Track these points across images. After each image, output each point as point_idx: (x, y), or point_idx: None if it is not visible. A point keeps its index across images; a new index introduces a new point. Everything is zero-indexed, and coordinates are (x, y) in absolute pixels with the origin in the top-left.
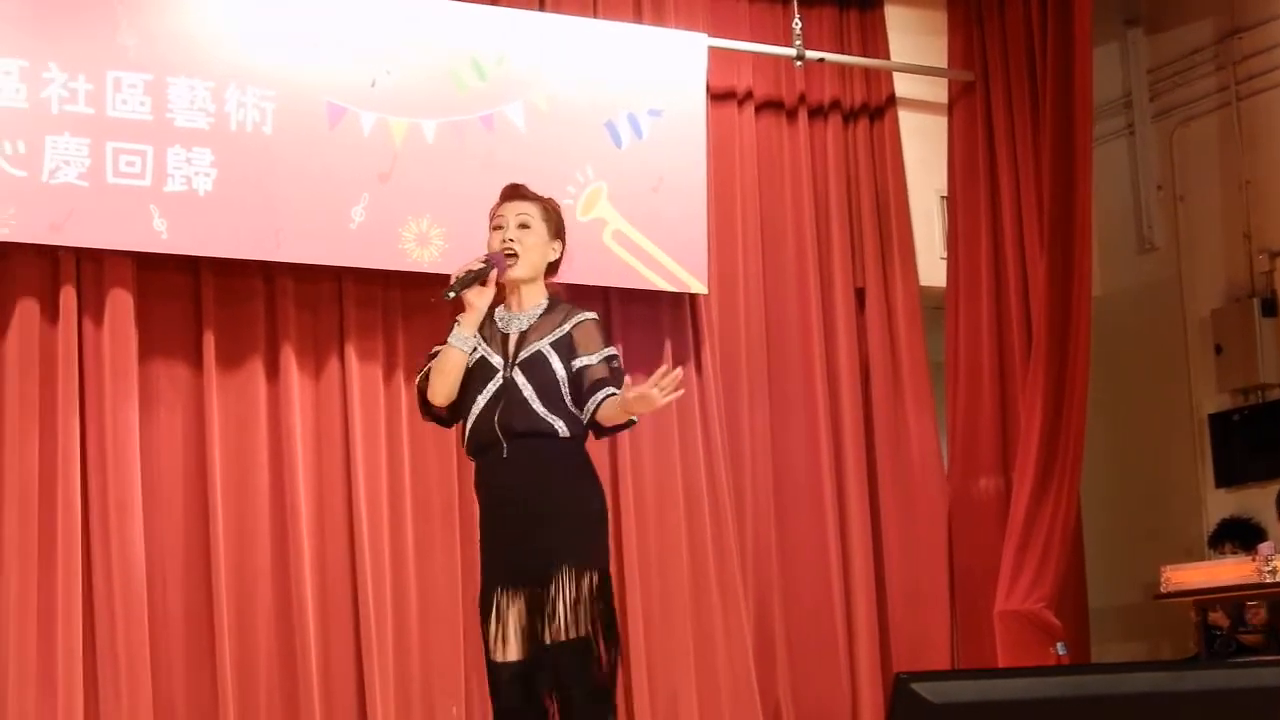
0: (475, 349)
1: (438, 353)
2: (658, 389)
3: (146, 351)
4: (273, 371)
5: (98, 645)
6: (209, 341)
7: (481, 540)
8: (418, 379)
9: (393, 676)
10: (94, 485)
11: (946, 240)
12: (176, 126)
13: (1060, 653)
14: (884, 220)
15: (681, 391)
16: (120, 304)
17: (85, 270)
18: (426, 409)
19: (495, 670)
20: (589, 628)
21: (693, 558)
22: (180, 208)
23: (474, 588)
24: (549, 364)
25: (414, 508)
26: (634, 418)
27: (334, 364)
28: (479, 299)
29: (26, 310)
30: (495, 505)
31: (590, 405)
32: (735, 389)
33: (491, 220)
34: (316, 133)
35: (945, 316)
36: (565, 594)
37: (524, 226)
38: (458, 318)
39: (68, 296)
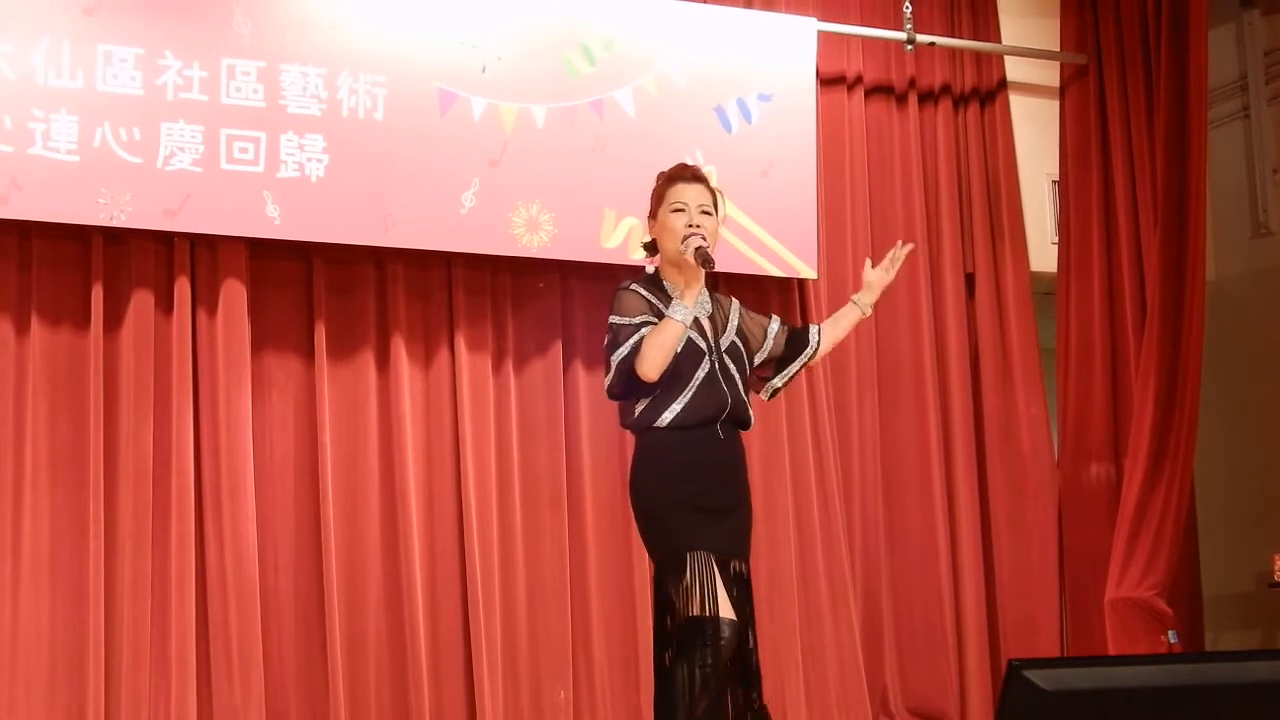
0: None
1: (637, 327)
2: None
3: (259, 339)
4: (383, 359)
5: (210, 627)
6: (320, 329)
7: (675, 506)
8: (622, 355)
9: (500, 660)
10: (207, 471)
11: (1058, 225)
12: (289, 113)
13: (1172, 641)
14: (994, 205)
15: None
16: (234, 293)
17: (200, 257)
18: (627, 382)
19: (715, 625)
20: (751, 613)
21: (800, 544)
22: (293, 194)
23: (581, 572)
24: (742, 356)
25: (522, 494)
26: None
27: (443, 351)
28: (702, 276)
29: (142, 299)
30: (703, 477)
31: (812, 345)
32: (843, 375)
33: (664, 199)
34: (428, 119)
35: (1056, 302)
36: (748, 579)
37: (706, 213)
38: (679, 292)
39: (182, 286)
